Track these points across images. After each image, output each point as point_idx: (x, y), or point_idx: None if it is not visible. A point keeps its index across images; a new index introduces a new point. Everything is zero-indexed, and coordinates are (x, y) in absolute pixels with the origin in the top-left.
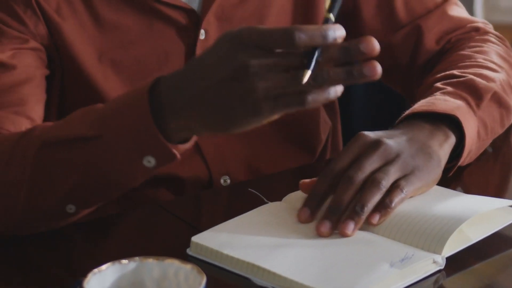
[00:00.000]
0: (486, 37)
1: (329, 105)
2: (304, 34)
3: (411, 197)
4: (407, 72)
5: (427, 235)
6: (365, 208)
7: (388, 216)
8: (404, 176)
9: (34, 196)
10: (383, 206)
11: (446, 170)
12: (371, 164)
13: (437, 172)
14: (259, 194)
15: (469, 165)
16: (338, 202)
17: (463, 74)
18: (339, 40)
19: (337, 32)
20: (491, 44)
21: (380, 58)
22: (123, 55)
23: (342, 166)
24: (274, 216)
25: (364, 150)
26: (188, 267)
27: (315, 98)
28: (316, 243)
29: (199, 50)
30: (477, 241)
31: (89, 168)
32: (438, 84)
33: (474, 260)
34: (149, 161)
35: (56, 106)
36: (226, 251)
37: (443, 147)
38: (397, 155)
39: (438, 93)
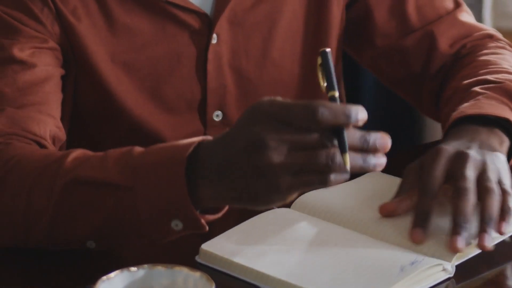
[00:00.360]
0: (500, 44)
1: None
2: (328, 111)
3: None
4: (418, 77)
5: (438, 244)
6: (493, 219)
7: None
8: (499, 179)
9: (56, 227)
10: (506, 213)
11: None
12: (471, 174)
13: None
14: None
15: None
16: (466, 215)
17: (498, 80)
18: (361, 123)
19: (360, 114)
20: (507, 51)
21: (391, 61)
22: (135, 58)
23: (440, 180)
24: (283, 222)
25: (455, 162)
26: (197, 274)
27: (337, 179)
28: (325, 250)
29: (211, 54)
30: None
31: (115, 215)
32: (477, 89)
33: (484, 268)
34: (177, 225)
35: (70, 106)
36: (236, 259)
37: (503, 147)
38: (484, 162)
39: (480, 97)
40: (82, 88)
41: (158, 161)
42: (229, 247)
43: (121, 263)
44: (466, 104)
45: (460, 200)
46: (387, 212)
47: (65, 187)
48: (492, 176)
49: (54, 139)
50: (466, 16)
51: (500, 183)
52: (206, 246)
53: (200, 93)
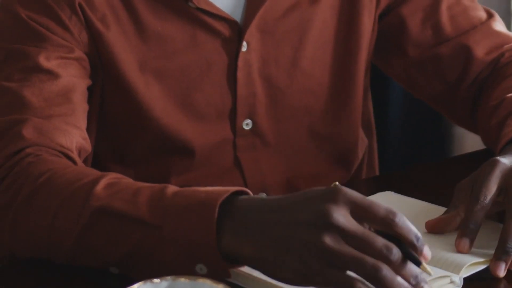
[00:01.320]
0: None
1: (365, 123)
2: (405, 221)
3: None
4: (452, 86)
5: (446, 255)
6: None
7: None
8: None
9: (79, 252)
10: None
11: None
12: None
13: None
14: None
15: None
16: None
17: None
18: (423, 260)
19: (426, 251)
20: None
21: (425, 71)
22: (166, 65)
23: (493, 191)
24: None
25: (510, 176)
26: (220, 287)
27: None
28: None
29: (241, 62)
30: None
31: (140, 251)
32: None
33: (493, 280)
34: (201, 269)
35: (96, 114)
36: (244, 269)
37: None
38: None
39: None
40: (109, 96)
41: (189, 203)
42: None
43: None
44: None
45: (506, 223)
46: (435, 229)
47: (93, 215)
48: None
49: (80, 151)
50: (500, 26)
51: None
52: None
53: (230, 101)
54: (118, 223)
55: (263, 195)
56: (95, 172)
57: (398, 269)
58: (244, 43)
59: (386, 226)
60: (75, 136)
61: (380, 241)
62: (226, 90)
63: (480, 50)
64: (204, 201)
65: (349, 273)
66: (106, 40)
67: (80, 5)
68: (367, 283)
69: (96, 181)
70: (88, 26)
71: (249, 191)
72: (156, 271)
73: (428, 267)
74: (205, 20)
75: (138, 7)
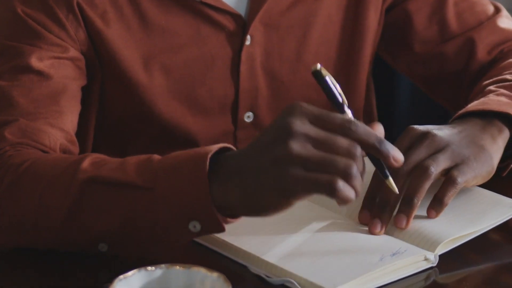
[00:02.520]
0: None
1: (367, 116)
2: (363, 128)
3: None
4: (456, 82)
5: (425, 234)
6: (415, 200)
7: (443, 210)
8: (456, 166)
9: (69, 227)
10: (437, 202)
11: (500, 170)
12: (418, 155)
13: (490, 165)
14: None
15: None
16: (385, 198)
17: None
18: (395, 164)
19: (396, 154)
20: None
21: (430, 68)
22: (172, 59)
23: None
24: None
25: (413, 143)
26: (214, 275)
27: (344, 189)
28: (314, 234)
29: (244, 56)
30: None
31: (132, 216)
32: (491, 87)
33: (471, 257)
34: (195, 226)
35: (95, 112)
36: (226, 238)
37: (497, 140)
38: (446, 145)
39: (491, 94)
40: (110, 93)
41: (179, 163)
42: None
43: (138, 263)
44: (475, 101)
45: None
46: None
47: (82, 186)
48: (442, 157)
49: (64, 152)
50: (506, 21)
51: (452, 169)
52: None
53: (232, 94)
54: (108, 191)
55: None
56: (77, 155)
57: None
58: (248, 37)
59: (345, 132)
60: (59, 138)
61: (344, 140)
62: (229, 83)
63: (483, 48)
64: (194, 156)
65: None
66: (106, 37)
67: (78, 3)
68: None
69: (81, 159)
70: (86, 24)
71: (233, 147)
72: (147, 241)
73: (395, 185)
74: (209, 14)
75: (142, 2)
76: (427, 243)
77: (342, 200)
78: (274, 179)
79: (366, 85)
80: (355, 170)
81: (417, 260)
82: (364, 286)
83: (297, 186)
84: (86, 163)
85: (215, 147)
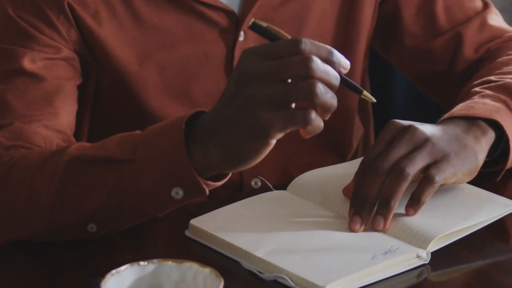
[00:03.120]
0: None
1: (362, 111)
2: (311, 43)
3: (443, 184)
4: (445, 79)
5: (417, 231)
6: (392, 202)
7: (421, 208)
8: (435, 163)
9: (57, 209)
10: (414, 201)
11: (493, 174)
12: (398, 151)
13: (473, 163)
14: (267, 182)
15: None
16: (364, 195)
17: (500, 79)
18: (344, 71)
19: (343, 61)
20: None
21: (419, 63)
22: (166, 57)
23: (376, 154)
24: (274, 203)
25: (394, 138)
26: (206, 270)
27: (317, 119)
28: (307, 231)
29: (238, 52)
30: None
31: (116, 191)
32: (476, 89)
33: (464, 255)
34: (178, 193)
35: (90, 108)
36: (219, 234)
37: (480, 141)
38: (427, 140)
39: (476, 96)
40: (105, 90)
41: (157, 132)
42: (216, 223)
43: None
44: (461, 104)
45: (365, 179)
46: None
47: (66, 167)
48: (420, 155)
49: None
50: (495, 17)
51: (431, 166)
52: (195, 222)
53: None
54: (92, 168)
55: (258, 181)
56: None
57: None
58: (242, 33)
59: (295, 52)
60: (55, 139)
61: (294, 59)
62: (223, 80)
63: (470, 45)
64: (170, 123)
65: None
66: (98, 36)
67: (69, 4)
68: None
69: (68, 146)
70: (78, 24)
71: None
72: (132, 214)
73: (371, 96)
74: (201, 11)
75: (134, 0)
76: (419, 240)
77: (314, 129)
78: (248, 126)
79: (361, 80)
80: (319, 88)
81: (409, 257)
82: (355, 283)
83: (272, 125)
84: (72, 148)
85: (191, 112)
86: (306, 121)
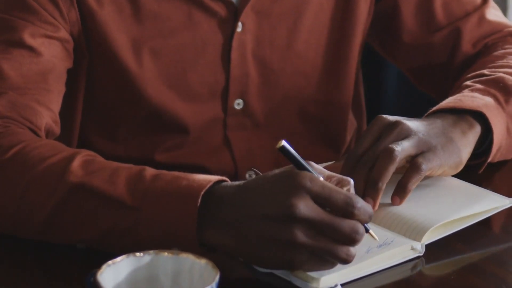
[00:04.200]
0: None
1: (356, 106)
2: (363, 207)
3: (429, 176)
4: (442, 74)
5: (411, 223)
6: (379, 184)
7: (407, 196)
8: (422, 153)
9: (51, 226)
10: (401, 189)
11: (477, 166)
12: (386, 145)
13: (459, 156)
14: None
15: (503, 166)
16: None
17: (493, 73)
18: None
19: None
20: None
21: (416, 58)
22: (162, 44)
23: (363, 149)
24: None
25: (382, 132)
26: (202, 262)
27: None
28: None
29: (235, 42)
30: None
31: (114, 231)
32: (467, 82)
33: (458, 247)
34: (175, 249)
35: (82, 94)
36: None
37: (467, 134)
38: (414, 133)
39: (466, 90)
40: (98, 75)
41: (171, 189)
42: None
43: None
44: (449, 98)
45: (355, 171)
46: None
47: (71, 190)
48: (408, 144)
49: (48, 132)
50: (493, 12)
51: (417, 156)
52: None
53: (223, 81)
54: (96, 201)
55: (252, 174)
56: (68, 148)
57: None
58: (239, 24)
59: (347, 214)
60: (45, 117)
61: (346, 225)
62: (220, 70)
63: (468, 41)
64: (186, 190)
65: None
66: (98, 18)
67: None
68: None
69: (71, 157)
70: (80, 4)
71: (227, 179)
72: (128, 250)
73: (375, 236)
74: (201, 0)
75: None
76: (413, 232)
77: None
78: (278, 257)
79: (355, 74)
80: (353, 255)
81: (403, 250)
82: (350, 275)
83: (301, 266)
84: (76, 163)
85: (209, 181)
86: (331, 267)
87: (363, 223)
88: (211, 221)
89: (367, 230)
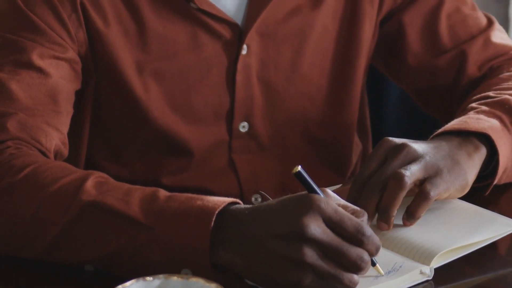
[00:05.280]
0: None
1: (361, 128)
2: (373, 237)
3: (436, 199)
4: (448, 97)
5: (420, 247)
6: (390, 212)
7: (416, 222)
8: (428, 178)
9: (60, 244)
10: (410, 216)
11: (483, 188)
12: (394, 167)
13: (465, 178)
14: (269, 197)
15: (509, 188)
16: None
17: (499, 95)
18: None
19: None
20: None
21: (422, 80)
22: (166, 66)
23: (370, 172)
24: None
25: (388, 155)
26: (212, 286)
27: None
28: None
29: (240, 65)
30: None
31: (125, 250)
32: (473, 104)
33: (467, 271)
34: (186, 272)
35: (89, 116)
36: None
37: (472, 157)
38: (421, 156)
39: (471, 112)
40: (105, 97)
41: (185, 209)
42: None
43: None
44: (455, 120)
45: (362, 195)
46: None
47: (84, 208)
48: (416, 168)
49: (56, 154)
50: (499, 35)
51: (425, 181)
52: None
53: (228, 103)
54: (109, 220)
55: (258, 197)
56: (79, 170)
57: None
58: (244, 46)
59: (356, 242)
60: (54, 138)
61: (353, 252)
62: (225, 92)
63: (474, 63)
64: (201, 209)
65: None
66: (105, 39)
67: (82, 3)
68: None
69: (84, 178)
70: (88, 24)
71: (240, 201)
72: (138, 271)
73: (381, 270)
74: (206, 22)
75: (141, 6)
76: (422, 256)
77: None
78: (285, 276)
79: (360, 96)
80: (356, 283)
81: (413, 273)
82: None
83: (306, 286)
84: (89, 183)
85: (224, 202)
86: None
87: (370, 254)
88: (223, 241)
89: (373, 264)
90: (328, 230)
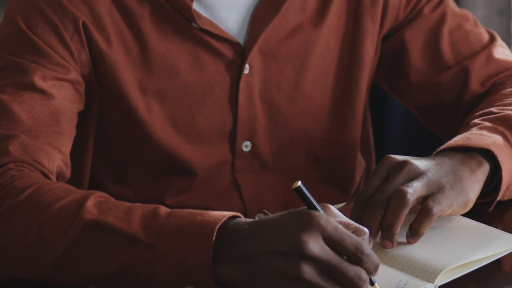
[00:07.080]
0: None
1: (364, 146)
2: (373, 256)
3: (439, 216)
4: (451, 113)
5: (424, 265)
6: (393, 230)
7: (420, 238)
8: (431, 194)
9: (64, 264)
10: (413, 233)
11: (486, 205)
12: (396, 184)
13: (468, 195)
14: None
15: None
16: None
17: (501, 111)
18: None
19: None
20: None
21: (424, 97)
22: (169, 86)
23: (373, 189)
24: None
25: (391, 172)
26: None
27: None
28: None
29: (242, 84)
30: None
31: (128, 269)
32: (476, 120)
33: (472, 286)
34: None
35: (93, 136)
36: None
37: (475, 173)
38: (423, 173)
39: (474, 128)
40: (108, 118)
41: (186, 225)
42: None
43: None
44: (458, 136)
45: (365, 213)
46: None
47: (85, 227)
48: (419, 184)
49: (59, 175)
50: (501, 50)
51: (427, 198)
52: None
53: (230, 123)
54: (111, 238)
55: (262, 216)
56: (80, 190)
57: None
58: (247, 66)
59: (355, 261)
60: (57, 160)
61: (352, 270)
62: (227, 112)
63: (477, 79)
64: (202, 224)
65: None
66: (108, 59)
67: (84, 24)
68: None
69: (85, 197)
70: (90, 45)
71: (241, 215)
72: (138, 286)
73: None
74: (208, 42)
75: (143, 27)
76: (427, 274)
77: None
78: None
79: (363, 114)
80: (364, 284)
81: None
82: None
83: None
84: (90, 203)
85: (224, 216)
86: None
87: (369, 272)
88: (223, 256)
89: (372, 283)
90: (327, 248)
